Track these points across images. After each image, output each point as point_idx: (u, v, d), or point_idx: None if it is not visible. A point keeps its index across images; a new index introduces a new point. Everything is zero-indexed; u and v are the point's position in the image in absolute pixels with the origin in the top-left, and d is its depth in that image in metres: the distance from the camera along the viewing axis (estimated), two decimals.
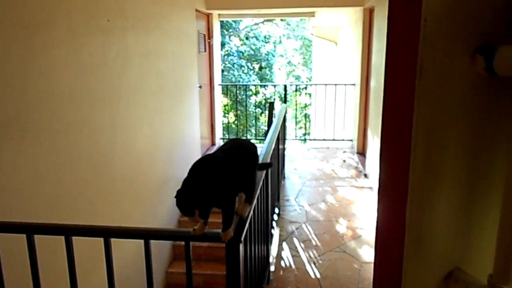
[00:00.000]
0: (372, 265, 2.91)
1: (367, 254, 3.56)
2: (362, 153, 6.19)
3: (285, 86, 7.11)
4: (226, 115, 11.46)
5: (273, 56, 14.54)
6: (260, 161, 1.93)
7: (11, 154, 2.01)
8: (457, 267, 0.55)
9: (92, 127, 2.80)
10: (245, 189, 1.68)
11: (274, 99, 10.53)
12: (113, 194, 3.13)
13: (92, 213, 2.76)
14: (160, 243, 4.11)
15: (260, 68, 14.14)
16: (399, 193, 0.56)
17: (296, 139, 8.29)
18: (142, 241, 1.57)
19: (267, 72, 14.26)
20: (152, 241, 1.58)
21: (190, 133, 5.29)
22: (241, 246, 1.55)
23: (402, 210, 0.54)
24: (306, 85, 13.17)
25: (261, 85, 13.02)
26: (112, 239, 1.60)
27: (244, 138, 2.23)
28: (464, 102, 0.59)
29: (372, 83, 5.54)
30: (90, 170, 2.78)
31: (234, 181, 1.54)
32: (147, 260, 1.59)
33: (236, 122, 9.82)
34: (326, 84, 7.53)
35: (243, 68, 13.34)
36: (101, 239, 1.59)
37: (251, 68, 13.87)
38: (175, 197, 1.40)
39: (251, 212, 1.80)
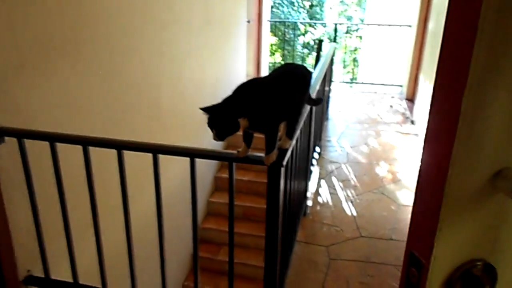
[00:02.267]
0: (409, 208, 2.90)
1: (406, 197, 3.55)
2: (411, 99, 5.96)
3: (336, 25, 6.81)
4: (273, 55, 11.25)
5: None
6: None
7: (66, 72, 2.10)
8: (508, 166, 0.54)
9: (142, 54, 2.85)
10: (289, 118, 1.67)
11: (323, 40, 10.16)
12: (160, 123, 3.24)
13: (139, 138, 2.88)
14: (203, 174, 4.29)
15: (311, 6, 13.54)
16: (457, 82, 0.53)
17: (343, 83, 8.08)
18: (187, 168, 1.64)
19: (318, 10, 13.64)
20: (196, 169, 1.64)
21: (235, 71, 5.27)
22: (283, 171, 1.59)
23: (458, 104, 0.52)
24: (358, 26, 12.54)
25: (310, 24, 12.53)
26: (160, 160, 1.68)
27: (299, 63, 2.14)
28: None
29: (431, 25, 5.19)
30: (139, 96, 2.87)
31: (278, 108, 1.54)
32: (192, 179, 1.67)
33: (282, 62, 9.65)
34: (379, 25, 7.13)
35: (293, 5, 12.81)
36: (150, 158, 1.67)
37: (302, 5, 13.29)
38: (207, 109, 1.36)
39: (293, 142, 1.81)
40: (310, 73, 1.77)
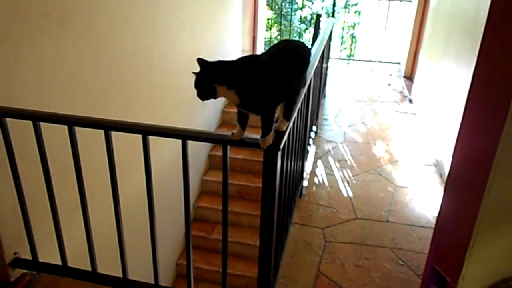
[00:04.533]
0: (406, 190, 2.87)
1: (403, 178, 3.51)
2: (409, 77, 5.86)
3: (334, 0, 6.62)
4: (269, 29, 11.00)
5: None
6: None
7: (50, 47, 1.99)
8: None
9: (132, 25, 2.71)
10: (287, 99, 1.58)
11: (321, 15, 9.93)
12: (151, 97, 3.13)
13: (129, 113, 2.78)
14: (196, 152, 4.22)
15: None
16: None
17: (340, 59, 7.92)
18: (179, 147, 1.56)
19: None
20: (189, 149, 1.57)
21: (230, 45, 5.12)
22: (279, 154, 1.51)
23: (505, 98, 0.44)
24: (357, 0, 12.25)
25: None
26: (151, 137, 1.60)
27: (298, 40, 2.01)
28: None
29: (432, 1, 5.03)
30: (129, 69, 2.75)
31: (275, 88, 1.45)
32: (184, 161, 1.59)
33: (278, 37, 9.44)
34: None
35: None
36: (139, 137, 1.59)
37: None
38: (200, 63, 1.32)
39: (291, 124, 1.72)
40: (309, 51, 1.67)
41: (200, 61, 1.33)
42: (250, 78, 1.37)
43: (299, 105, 2.02)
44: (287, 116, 1.59)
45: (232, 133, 1.48)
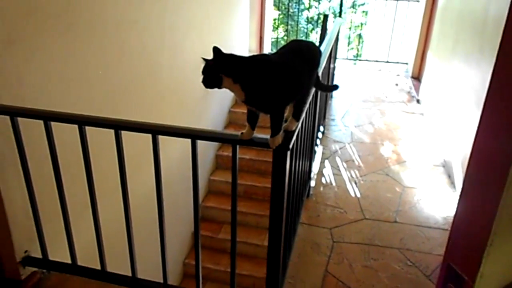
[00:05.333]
0: (414, 190, 2.86)
1: (411, 179, 3.49)
2: (417, 77, 5.82)
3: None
4: (276, 29, 11.00)
5: None
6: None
7: (60, 47, 2.00)
8: None
9: (141, 27, 2.73)
10: (297, 99, 1.57)
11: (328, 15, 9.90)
12: (159, 97, 3.14)
13: (138, 113, 2.80)
14: (203, 152, 4.22)
15: None
16: None
17: (347, 59, 7.90)
18: (187, 146, 1.57)
19: None
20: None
21: (238, 45, 5.13)
22: (288, 154, 1.51)
23: None
24: (364, 0, 12.20)
25: None
26: (160, 137, 1.60)
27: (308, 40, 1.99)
28: None
29: (440, 1, 5.00)
30: (138, 70, 2.77)
31: (284, 88, 1.45)
32: (194, 161, 1.60)
33: (285, 37, 9.43)
34: None
35: None
36: (148, 137, 1.60)
37: None
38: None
39: (299, 125, 1.72)
40: (319, 51, 1.66)
41: (215, 49, 1.34)
42: (256, 75, 1.37)
43: (308, 104, 2.02)
44: (296, 116, 1.58)
45: (242, 133, 1.49)
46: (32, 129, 1.70)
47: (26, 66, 1.78)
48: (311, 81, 1.63)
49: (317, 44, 4.95)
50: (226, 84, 1.35)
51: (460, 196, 0.57)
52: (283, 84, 1.43)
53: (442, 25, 4.74)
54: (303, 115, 1.76)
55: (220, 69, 1.34)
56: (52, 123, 1.66)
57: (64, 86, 2.05)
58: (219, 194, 4.55)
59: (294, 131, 1.59)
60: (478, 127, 0.53)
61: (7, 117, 1.63)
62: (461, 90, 3.58)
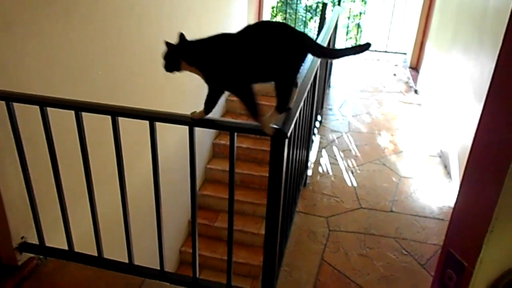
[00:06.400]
0: (410, 180, 2.86)
1: (407, 169, 3.51)
2: (415, 68, 5.81)
3: None
4: (274, 18, 10.91)
5: None
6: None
7: (57, 32, 1.98)
8: None
9: (139, 13, 2.70)
10: (262, 80, 1.42)
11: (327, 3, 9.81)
12: (157, 84, 3.12)
13: (135, 100, 2.77)
14: (200, 141, 4.21)
15: None
16: None
17: None
18: (185, 135, 1.56)
19: None
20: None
21: None
22: (286, 142, 1.51)
23: None
24: None
25: None
26: (157, 125, 1.60)
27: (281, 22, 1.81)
28: None
29: None
30: (136, 57, 2.74)
31: (237, 64, 1.39)
32: (191, 148, 1.60)
33: None
34: None
35: None
36: (146, 124, 1.59)
37: None
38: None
39: (297, 113, 1.70)
40: (292, 38, 1.43)
41: (181, 36, 1.43)
42: (205, 54, 1.41)
43: (305, 94, 2.00)
44: (279, 107, 1.43)
45: (192, 112, 1.51)
46: (28, 114, 1.69)
47: (22, 51, 1.75)
48: (282, 65, 1.41)
49: (315, 32, 4.87)
50: (184, 67, 1.42)
51: (462, 182, 0.56)
52: (231, 60, 1.40)
53: (442, 15, 4.72)
54: (291, 104, 1.56)
55: (177, 53, 1.42)
56: (49, 108, 1.65)
57: (61, 71, 2.03)
58: (216, 183, 4.55)
59: (293, 117, 1.58)
60: (483, 110, 0.52)
61: (3, 103, 1.62)
62: (459, 81, 3.58)
